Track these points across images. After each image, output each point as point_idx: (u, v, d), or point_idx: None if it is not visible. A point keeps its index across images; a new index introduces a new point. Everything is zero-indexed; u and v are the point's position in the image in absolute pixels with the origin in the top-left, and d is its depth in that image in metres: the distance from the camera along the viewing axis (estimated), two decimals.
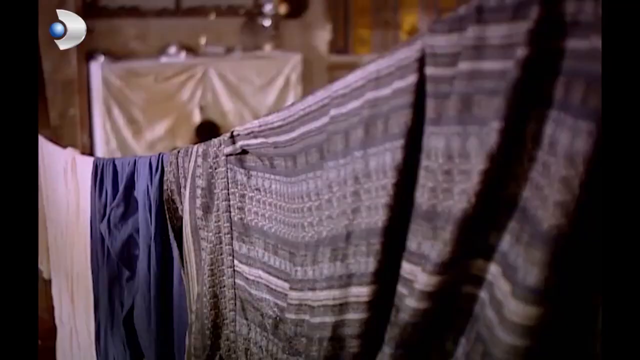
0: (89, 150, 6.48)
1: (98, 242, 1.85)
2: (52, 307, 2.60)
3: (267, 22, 6.99)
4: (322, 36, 7.35)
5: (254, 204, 1.22)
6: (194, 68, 6.54)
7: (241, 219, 1.24)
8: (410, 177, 0.85)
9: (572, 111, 0.64)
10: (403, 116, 0.84)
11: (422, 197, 0.83)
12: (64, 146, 2.19)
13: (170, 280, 1.56)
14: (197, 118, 6.52)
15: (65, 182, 2.12)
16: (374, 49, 7.54)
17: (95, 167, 1.84)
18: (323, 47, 7.38)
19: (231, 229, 1.26)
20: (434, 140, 0.82)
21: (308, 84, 7.18)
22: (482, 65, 0.74)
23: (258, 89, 6.80)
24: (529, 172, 0.72)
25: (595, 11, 0.62)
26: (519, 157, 0.72)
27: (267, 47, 7.00)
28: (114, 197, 1.73)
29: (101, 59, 6.23)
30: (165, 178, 1.44)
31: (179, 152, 1.41)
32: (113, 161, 1.76)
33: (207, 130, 5.75)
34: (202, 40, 6.81)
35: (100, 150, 6.38)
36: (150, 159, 1.53)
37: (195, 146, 1.35)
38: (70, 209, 2.13)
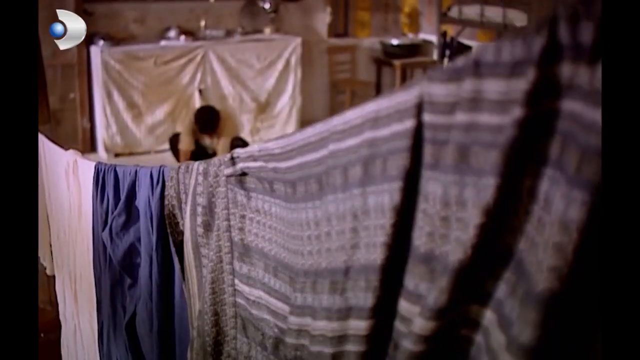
0: (90, 134, 6.49)
1: (100, 246, 1.87)
2: (56, 301, 2.62)
3: (267, 5, 6.97)
4: (322, 19, 7.33)
5: (254, 225, 1.23)
6: (193, 51, 6.52)
7: (242, 239, 1.26)
8: (408, 218, 0.87)
9: (567, 175, 0.65)
10: (401, 159, 0.85)
11: (419, 240, 0.85)
12: (66, 148, 2.20)
13: (171, 290, 1.58)
14: (196, 102, 6.53)
15: (67, 183, 2.13)
16: (374, 32, 7.52)
17: (97, 172, 1.85)
18: (323, 30, 7.36)
19: (232, 248, 1.28)
20: (431, 185, 0.83)
21: (308, 67, 7.17)
22: (479, 118, 0.75)
23: (258, 72, 6.79)
24: (525, 224, 0.73)
25: (591, 79, 0.63)
26: (515, 210, 0.74)
27: (267, 30, 6.98)
28: (115, 205, 1.75)
29: (101, 42, 6.22)
30: (166, 193, 1.45)
31: (179, 168, 1.43)
32: (114, 168, 1.77)
33: (206, 116, 5.70)
34: (202, 24, 6.80)
35: (101, 135, 6.39)
36: (151, 171, 1.54)
37: (196, 164, 1.36)
38: (72, 209, 2.14)
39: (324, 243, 1.00)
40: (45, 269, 2.71)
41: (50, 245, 2.60)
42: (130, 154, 6.46)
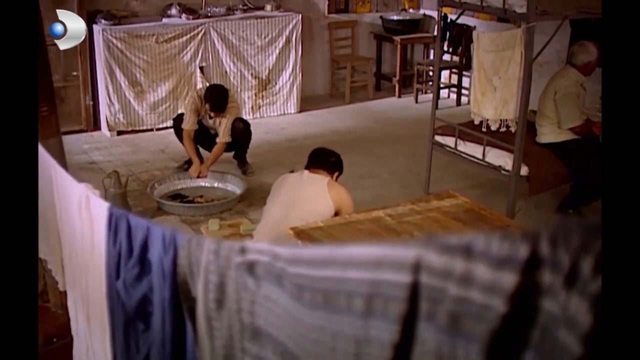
0: (93, 112, 6.54)
1: (114, 284, 1.96)
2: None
3: None
4: None
5: (263, 310, 1.32)
6: (194, 29, 6.54)
7: (251, 322, 1.34)
8: (407, 354, 0.96)
9: None
10: (400, 307, 0.94)
11: None
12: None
13: (184, 343, 1.67)
14: (198, 79, 6.56)
15: (80, 214, 2.21)
16: (374, 7, 7.51)
17: (110, 215, 1.93)
18: (323, 6, 7.35)
19: (242, 329, 1.37)
20: (427, 335, 0.92)
21: (308, 43, 7.19)
22: (470, 294, 0.83)
23: (259, 49, 6.81)
24: None
25: (565, 305, 0.71)
26: None
27: (268, 7, 6.98)
28: (128, 251, 1.83)
29: (102, 21, 6.23)
30: (179, 261, 1.53)
31: (191, 240, 1.50)
32: (127, 217, 1.85)
33: (218, 95, 5.61)
34: (203, 1, 6.79)
35: (103, 112, 6.44)
36: (163, 234, 1.62)
37: (207, 241, 1.44)
38: (84, 239, 2.22)
39: (327, 355, 1.09)
40: (57, 282, 2.80)
41: (62, 260, 2.69)
42: (133, 131, 6.53)
